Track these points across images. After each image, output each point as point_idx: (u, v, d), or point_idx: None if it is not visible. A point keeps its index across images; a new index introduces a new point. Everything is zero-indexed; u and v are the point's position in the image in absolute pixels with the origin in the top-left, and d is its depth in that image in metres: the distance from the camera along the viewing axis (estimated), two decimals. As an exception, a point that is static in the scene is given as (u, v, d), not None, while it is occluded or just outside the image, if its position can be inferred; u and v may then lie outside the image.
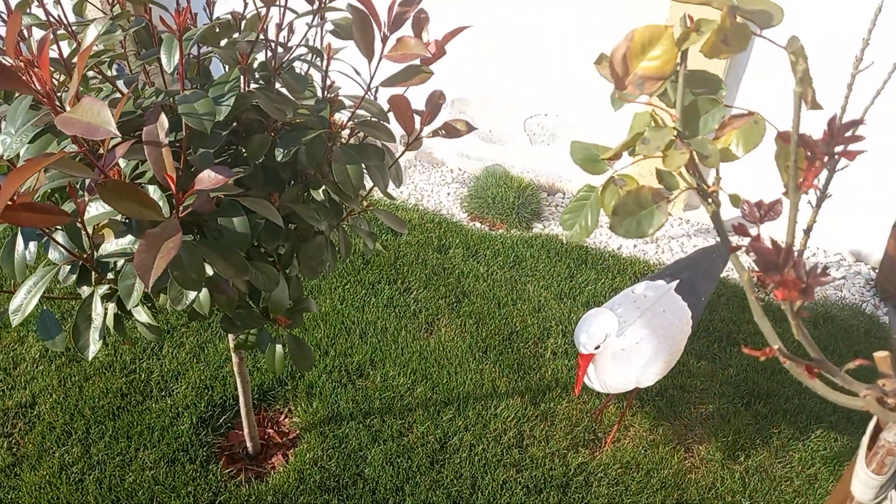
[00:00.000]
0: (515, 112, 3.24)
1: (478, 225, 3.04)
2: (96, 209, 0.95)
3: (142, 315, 1.17)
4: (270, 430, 1.96)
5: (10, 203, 0.74)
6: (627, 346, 1.55)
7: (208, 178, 0.73)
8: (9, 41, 0.85)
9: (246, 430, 1.83)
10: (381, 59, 1.07)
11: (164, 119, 0.75)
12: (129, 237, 1.00)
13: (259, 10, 1.24)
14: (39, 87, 0.67)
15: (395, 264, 2.63)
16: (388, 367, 2.15)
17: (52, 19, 1.10)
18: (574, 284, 2.58)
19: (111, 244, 0.98)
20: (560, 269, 2.67)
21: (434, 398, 2.06)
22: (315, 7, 1.14)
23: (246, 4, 1.29)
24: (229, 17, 1.32)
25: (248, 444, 1.87)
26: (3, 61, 0.67)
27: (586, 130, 3.13)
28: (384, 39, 1.06)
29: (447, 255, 2.73)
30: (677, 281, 1.68)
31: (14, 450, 1.81)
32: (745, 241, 0.52)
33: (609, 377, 1.57)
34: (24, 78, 0.66)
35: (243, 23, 1.32)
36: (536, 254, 2.75)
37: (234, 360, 1.67)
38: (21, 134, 1.00)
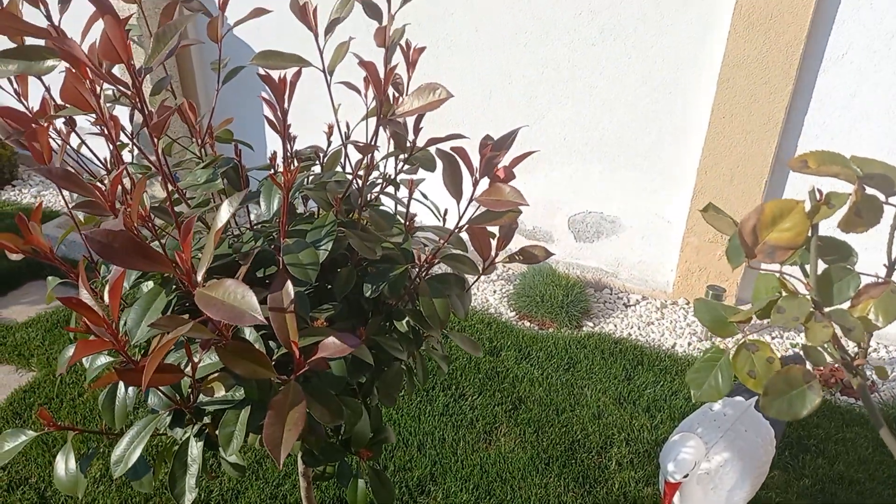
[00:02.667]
0: (559, 210, 3.29)
1: (527, 324, 3.02)
2: (202, 361, 0.97)
3: (231, 456, 1.16)
4: (332, 554, 1.90)
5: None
6: (712, 469, 1.49)
7: (333, 345, 0.74)
8: (134, 210, 0.90)
9: (310, 556, 1.77)
10: (470, 200, 1.10)
11: (290, 287, 0.77)
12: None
13: (345, 141, 1.30)
14: (182, 267, 0.70)
15: (447, 369, 2.60)
16: (450, 483, 2.09)
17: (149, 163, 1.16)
18: (632, 387, 2.52)
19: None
20: (616, 370, 2.62)
21: (499, 516, 1.99)
22: (408, 148, 1.19)
23: (329, 143, 1.35)
24: (310, 151, 1.39)
25: (312, 571, 1.80)
26: (149, 245, 0.70)
27: (630, 227, 3.15)
28: (475, 183, 1.10)
29: (499, 357, 2.70)
30: (756, 397, 1.63)
31: (76, 579, 1.76)
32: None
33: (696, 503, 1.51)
34: (165, 259, 0.69)
35: (325, 158, 1.37)
36: (590, 354, 2.71)
37: (303, 484, 1.64)
38: (133, 283, 1.03)
